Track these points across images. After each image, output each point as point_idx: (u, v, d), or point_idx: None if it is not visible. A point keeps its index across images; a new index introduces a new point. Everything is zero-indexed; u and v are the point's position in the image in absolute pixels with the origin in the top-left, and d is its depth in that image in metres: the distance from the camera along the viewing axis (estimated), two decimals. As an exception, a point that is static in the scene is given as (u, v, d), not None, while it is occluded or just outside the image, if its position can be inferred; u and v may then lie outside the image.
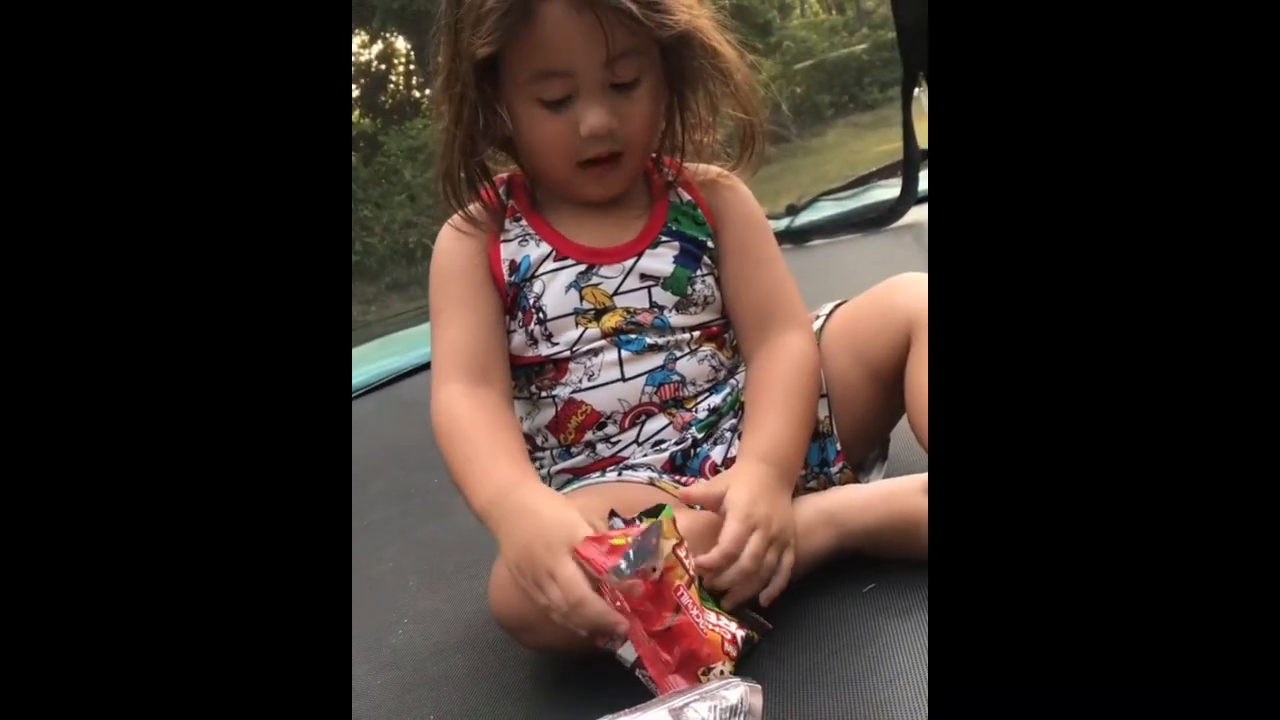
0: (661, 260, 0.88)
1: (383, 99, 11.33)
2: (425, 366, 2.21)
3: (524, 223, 0.89)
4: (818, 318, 0.93)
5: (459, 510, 1.25)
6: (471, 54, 0.79)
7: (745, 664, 0.70)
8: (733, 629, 0.70)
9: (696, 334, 0.88)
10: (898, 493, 0.78)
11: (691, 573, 0.70)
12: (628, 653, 0.68)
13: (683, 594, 0.68)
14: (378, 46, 11.29)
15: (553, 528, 0.70)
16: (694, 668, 0.67)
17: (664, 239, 0.89)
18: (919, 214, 2.36)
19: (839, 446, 0.90)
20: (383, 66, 11.50)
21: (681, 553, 0.70)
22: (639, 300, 0.87)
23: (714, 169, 0.93)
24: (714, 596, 0.73)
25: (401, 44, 11.31)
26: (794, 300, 0.90)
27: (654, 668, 0.67)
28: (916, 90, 2.27)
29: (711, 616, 0.69)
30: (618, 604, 0.67)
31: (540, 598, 0.70)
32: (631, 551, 0.67)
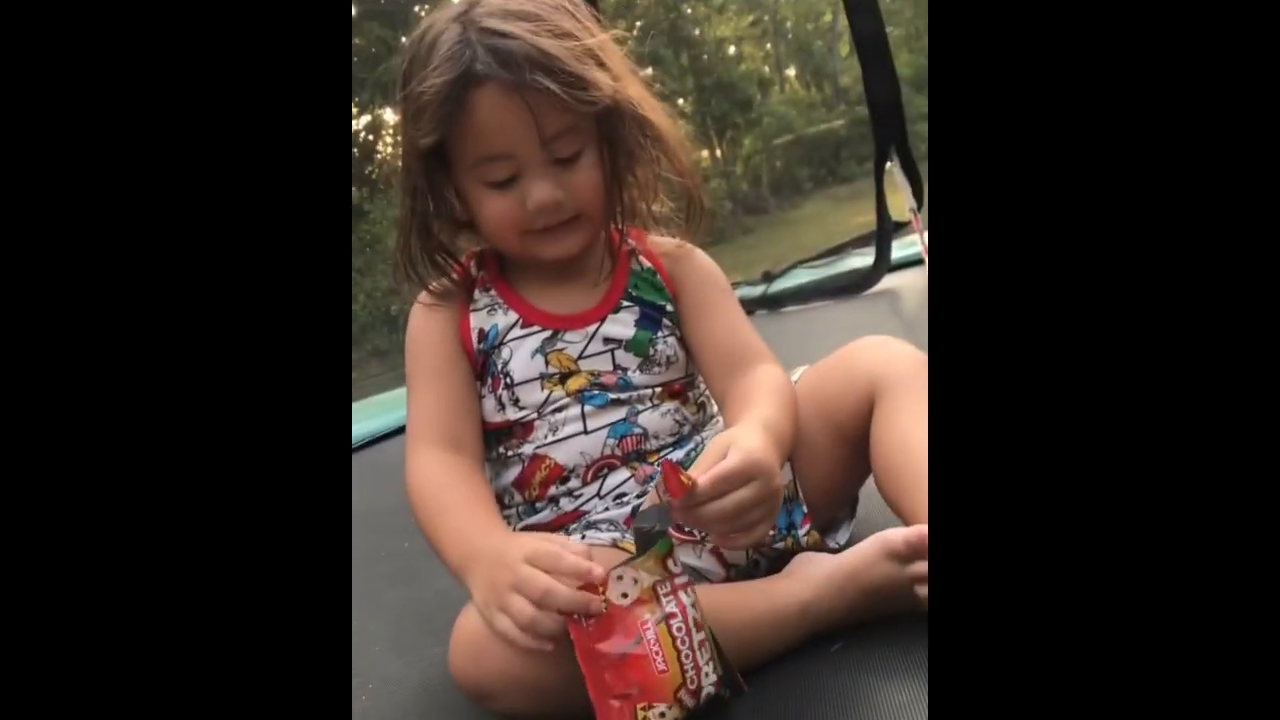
0: (623, 325, 0.90)
1: (369, 170, 11.50)
2: (400, 430, 2.20)
3: (493, 292, 0.92)
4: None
5: (427, 575, 1.24)
6: (416, 145, 0.82)
7: (710, 723, 0.69)
8: (700, 681, 0.68)
9: (659, 390, 0.90)
10: (861, 568, 0.77)
11: (666, 611, 0.68)
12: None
13: (649, 628, 0.67)
14: (366, 118, 11.51)
15: (512, 549, 0.69)
16: (635, 701, 0.66)
17: (625, 304, 0.91)
18: (892, 281, 2.40)
19: (805, 509, 0.90)
20: (371, 138, 11.71)
21: (663, 590, 0.69)
22: (603, 363, 0.89)
23: (672, 241, 0.96)
24: (714, 642, 0.71)
25: (390, 116, 11.55)
26: (759, 342, 0.92)
27: (595, 689, 0.66)
28: (888, 164, 2.33)
29: (674, 661, 0.67)
30: (575, 618, 0.66)
31: (500, 620, 0.68)
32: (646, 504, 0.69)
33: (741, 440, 0.70)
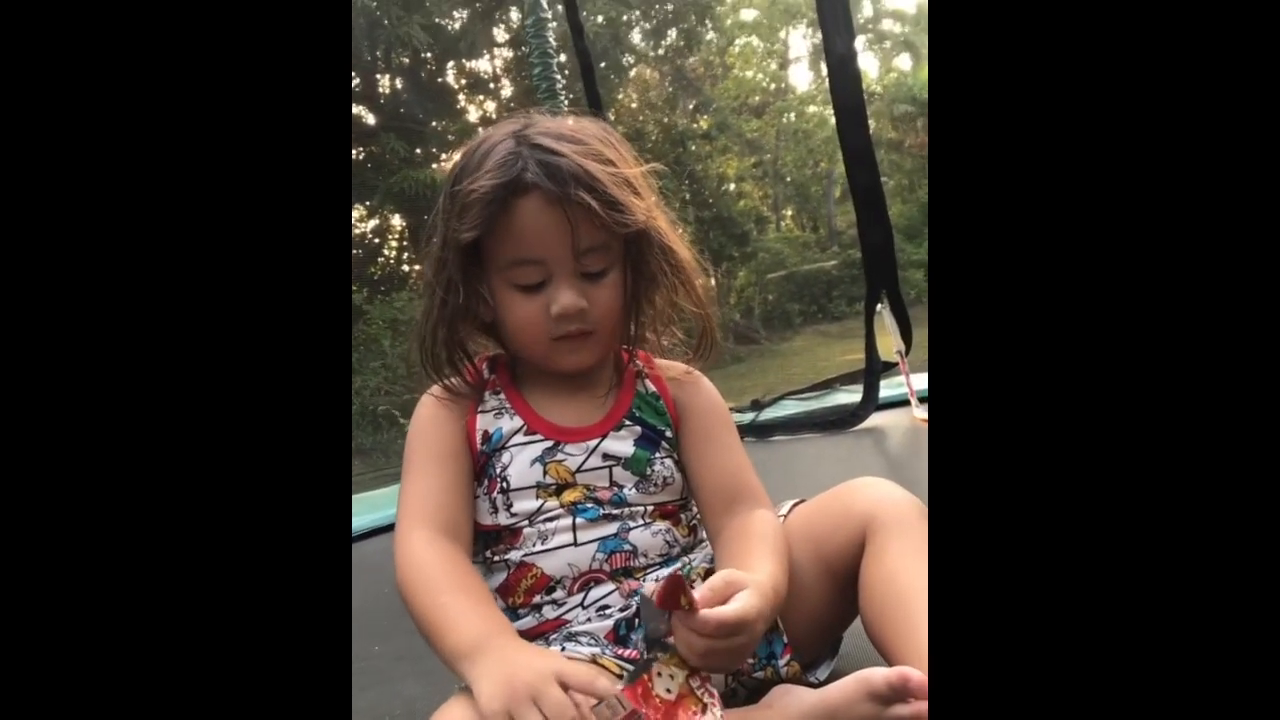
0: (623, 443, 0.92)
1: (372, 270, 11.72)
2: (379, 531, 2.17)
3: (502, 396, 0.94)
4: (779, 516, 0.95)
5: (395, 681, 1.21)
6: (457, 239, 0.87)
7: None
8: None
9: (651, 508, 0.91)
10: (840, 705, 0.76)
11: (705, 703, 0.69)
12: None
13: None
14: (374, 222, 11.82)
15: (538, 659, 0.69)
16: None
17: (626, 423, 0.93)
18: (879, 419, 2.44)
19: (785, 640, 0.90)
20: (377, 240, 11.98)
21: (695, 683, 0.69)
22: (600, 479, 0.90)
23: (680, 366, 0.99)
24: None
25: (397, 221, 11.86)
26: (757, 483, 0.93)
27: None
28: (879, 306, 2.41)
29: None
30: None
31: None
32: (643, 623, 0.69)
33: (751, 600, 0.73)
